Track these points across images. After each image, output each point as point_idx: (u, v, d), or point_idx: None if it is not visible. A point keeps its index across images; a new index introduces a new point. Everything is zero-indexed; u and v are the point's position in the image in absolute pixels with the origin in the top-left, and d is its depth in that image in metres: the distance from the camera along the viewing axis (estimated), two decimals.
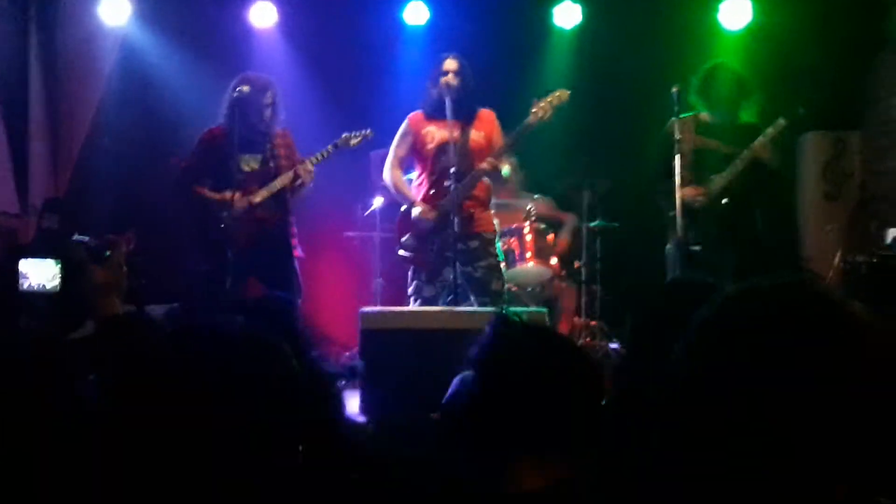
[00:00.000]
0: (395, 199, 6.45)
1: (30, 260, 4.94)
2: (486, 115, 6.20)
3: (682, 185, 6.03)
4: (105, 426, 1.33)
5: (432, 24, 8.30)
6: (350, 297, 7.71)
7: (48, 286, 4.85)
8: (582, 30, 8.36)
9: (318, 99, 7.96)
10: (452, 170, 5.84)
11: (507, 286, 6.42)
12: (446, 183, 5.92)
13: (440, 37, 7.97)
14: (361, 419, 4.69)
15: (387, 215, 7.41)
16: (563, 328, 7.25)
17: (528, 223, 7.34)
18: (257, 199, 6.13)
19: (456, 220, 5.82)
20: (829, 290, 1.14)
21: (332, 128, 6.60)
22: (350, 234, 8.05)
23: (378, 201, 7.66)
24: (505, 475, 1.78)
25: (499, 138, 6.16)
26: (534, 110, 5.92)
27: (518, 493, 1.74)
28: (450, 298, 5.85)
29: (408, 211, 6.21)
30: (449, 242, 5.85)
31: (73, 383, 2.02)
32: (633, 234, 7.34)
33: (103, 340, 2.47)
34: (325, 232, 7.92)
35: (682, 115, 6.16)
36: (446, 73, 6.04)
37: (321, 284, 7.67)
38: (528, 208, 7.43)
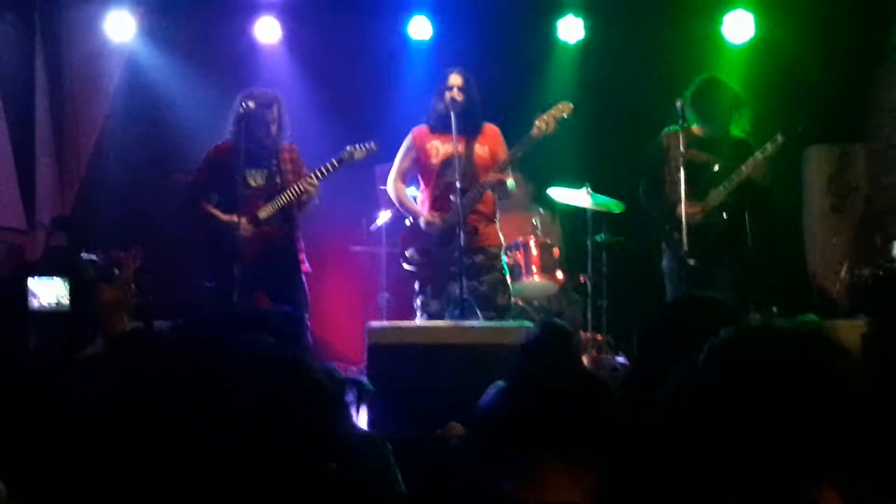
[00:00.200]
0: (400, 213, 6.46)
1: (38, 278, 4.95)
2: (491, 129, 6.22)
3: (676, 198, 6.05)
4: (123, 441, 1.32)
5: (436, 38, 8.32)
6: (356, 312, 7.72)
7: (57, 304, 4.86)
8: (585, 44, 8.38)
9: (323, 113, 7.98)
10: (457, 184, 5.85)
11: (513, 300, 6.42)
12: (451, 197, 5.93)
13: (444, 51, 8.00)
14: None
15: (392, 230, 7.42)
16: None
17: (533, 237, 7.34)
18: (263, 214, 6.15)
19: (461, 234, 5.83)
20: (829, 338, 1.16)
21: (336, 142, 6.61)
22: (356, 248, 8.06)
23: (384, 216, 7.67)
24: (538, 482, 1.90)
25: (503, 152, 6.17)
26: (537, 123, 5.94)
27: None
28: (456, 313, 5.85)
29: (412, 224, 6.23)
30: (454, 257, 5.86)
31: (81, 399, 2.03)
32: (639, 247, 7.34)
33: (112, 358, 2.48)
34: (332, 246, 7.94)
35: (672, 128, 6.18)
36: (451, 87, 6.07)
37: (328, 299, 7.67)
38: (533, 222, 7.43)
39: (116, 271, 2.47)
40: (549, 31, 8.38)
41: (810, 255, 8.52)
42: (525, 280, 7.23)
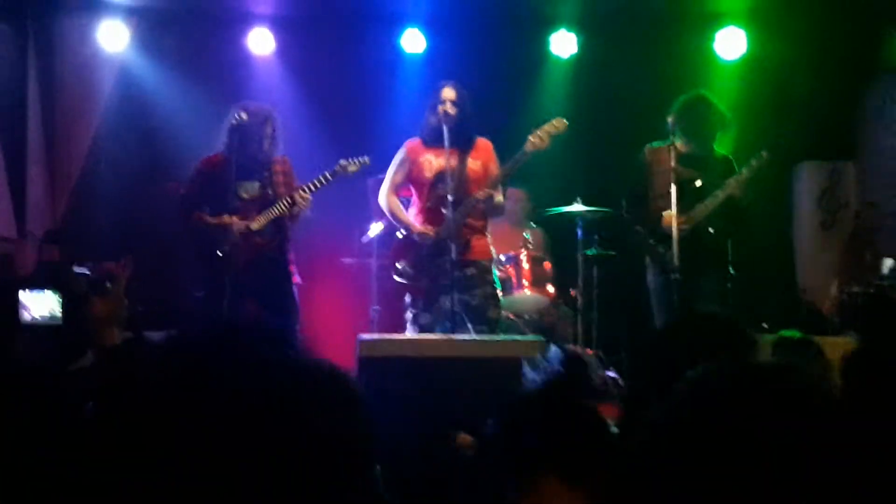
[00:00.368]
0: (392, 226, 6.47)
1: (30, 291, 4.94)
2: (483, 143, 6.24)
3: (659, 213, 6.07)
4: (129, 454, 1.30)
5: (429, 52, 8.34)
6: (347, 324, 7.70)
7: (49, 317, 4.85)
8: (578, 59, 8.42)
9: (316, 125, 7.98)
10: (449, 198, 5.86)
11: (504, 314, 6.42)
12: (443, 210, 5.94)
13: (437, 65, 8.01)
14: None
15: (384, 242, 7.41)
16: None
17: (524, 251, 7.35)
18: (255, 225, 6.14)
19: (453, 247, 5.83)
20: (803, 373, 1.16)
21: (329, 154, 6.62)
22: (347, 260, 8.05)
23: (375, 228, 7.67)
24: (538, 498, 2.05)
25: (495, 167, 6.19)
26: (531, 139, 5.95)
27: None
28: (447, 326, 5.85)
29: (403, 237, 6.23)
30: (446, 270, 5.86)
31: (72, 412, 2.02)
32: (630, 262, 7.35)
33: (103, 371, 2.48)
34: (323, 258, 7.93)
35: (655, 144, 6.22)
36: (444, 101, 6.08)
37: (318, 311, 7.67)
38: (524, 236, 7.45)
39: (108, 285, 2.47)
40: (542, 45, 8.41)
41: (800, 270, 8.55)
42: (516, 294, 7.24)
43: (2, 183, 7.76)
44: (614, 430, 2.30)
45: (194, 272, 6.38)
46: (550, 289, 7.50)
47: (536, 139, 5.94)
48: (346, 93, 8.35)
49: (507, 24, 8.41)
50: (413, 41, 8.32)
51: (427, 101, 6.24)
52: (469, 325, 5.99)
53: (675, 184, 5.94)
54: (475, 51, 8.12)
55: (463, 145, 6.12)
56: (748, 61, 8.21)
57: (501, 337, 5.92)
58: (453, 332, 5.74)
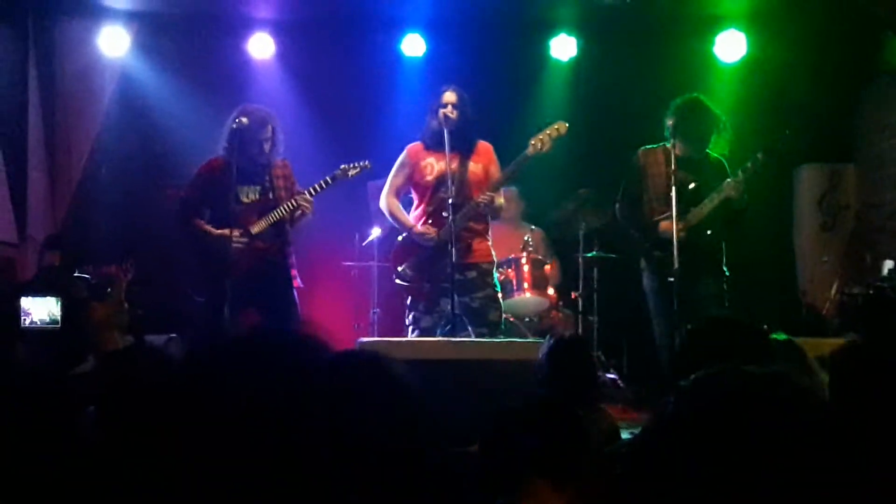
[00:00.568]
0: (393, 229, 6.48)
1: (31, 297, 4.94)
2: (484, 147, 6.24)
3: (655, 216, 6.07)
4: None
5: (430, 56, 8.36)
6: (348, 327, 7.71)
7: (49, 322, 4.85)
8: (578, 62, 8.43)
9: (317, 130, 8.00)
10: (450, 201, 5.87)
11: (504, 316, 6.43)
12: (444, 214, 5.94)
13: (437, 69, 8.03)
14: None
15: (385, 246, 7.43)
16: None
17: (525, 254, 7.35)
18: (256, 229, 6.15)
19: (454, 250, 5.84)
20: (794, 381, 1.17)
21: (330, 158, 6.63)
22: (348, 264, 8.06)
23: (376, 232, 7.69)
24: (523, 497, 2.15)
25: (496, 170, 6.19)
26: (532, 142, 5.96)
27: None
28: (447, 329, 5.85)
29: (405, 240, 6.24)
30: (446, 273, 5.87)
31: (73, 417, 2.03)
32: (630, 264, 7.36)
33: (103, 375, 2.48)
34: (324, 262, 7.94)
35: (649, 147, 6.23)
36: (445, 105, 6.08)
37: (319, 314, 7.67)
38: (525, 239, 7.45)
39: (109, 290, 2.48)
40: (542, 48, 8.43)
41: (801, 272, 8.56)
42: (516, 296, 7.25)
43: (2, 188, 7.77)
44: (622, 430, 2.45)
45: (195, 277, 6.38)
46: (551, 291, 7.52)
47: (538, 142, 5.95)
48: (347, 97, 8.37)
49: (507, 28, 8.42)
50: (413, 45, 8.34)
51: (427, 105, 6.25)
52: (470, 328, 6.00)
53: (666, 186, 5.95)
54: (475, 54, 8.14)
55: (464, 149, 6.12)
56: (748, 64, 8.23)
57: (502, 340, 5.92)
58: (454, 334, 5.74)
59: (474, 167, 6.15)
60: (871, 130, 8.33)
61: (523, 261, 7.32)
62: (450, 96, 6.11)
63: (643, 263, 6.30)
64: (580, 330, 7.49)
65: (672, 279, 5.79)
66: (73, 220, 8.19)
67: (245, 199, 6.18)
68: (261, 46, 8.32)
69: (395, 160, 6.36)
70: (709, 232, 6.10)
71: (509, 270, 7.29)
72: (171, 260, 7.09)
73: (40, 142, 8.14)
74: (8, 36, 7.97)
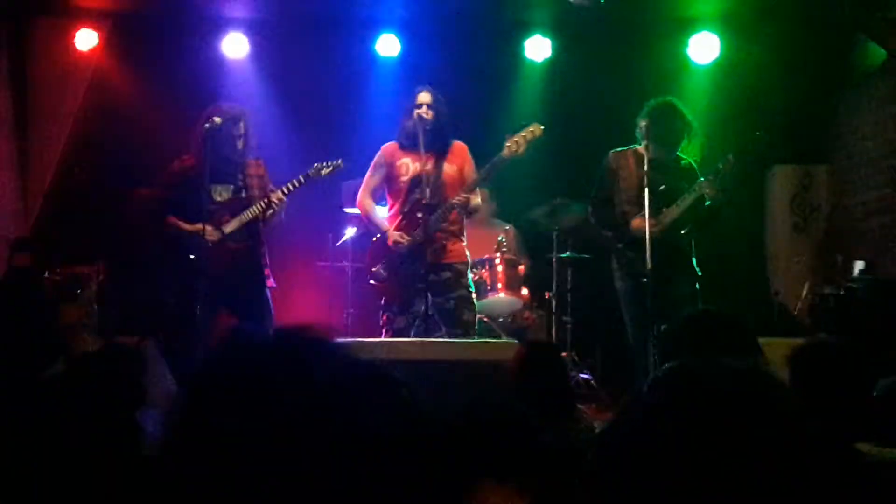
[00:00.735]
0: (367, 229, 6.47)
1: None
2: (459, 147, 6.24)
3: (629, 217, 6.09)
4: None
5: (404, 56, 8.36)
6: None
7: (18, 326, 4.82)
8: (552, 62, 8.46)
9: (290, 129, 7.98)
10: (424, 202, 5.86)
11: (478, 317, 6.43)
12: (419, 214, 5.94)
13: (412, 69, 8.03)
14: None
15: (358, 246, 7.42)
16: None
17: (498, 254, 7.35)
18: (228, 228, 6.12)
19: (428, 251, 5.84)
20: (766, 373, 1.18)
21: (303, 158, 6.62)
22: (322, 264, 8.05)
23: (350, 232, 7.67)
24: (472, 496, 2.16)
25: (471, 171, 6.19)
26: (508, 144, 5.95)
27: None
28: (421, 329, 5.85)
29: (379, 240, 6.23)
30: (420, 273, 5.86)
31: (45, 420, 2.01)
32: (604, 265, 7.38)
33: (74, 377, 2.46)
34: (297, 262, 7.92)
35: (620, 149, 6.25)
36: (420, 105, 6.08)
37: (293, 314, 7.64)
38: (498, 239, 7.45)
39: (79, 291, 2.46)
40: (517, 49, 8.44)
41: (773, 273, 8.62)
42: (490, 297, 7.25)
43: None
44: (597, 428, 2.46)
45: (167, 277, 6.35)
46: (524, 291, 7.52)
47: (513, 145, 5.94)
48: (321, 97, 8.35)
49: (482, 29, 8.43)
50: (388, 45, 8.34)
51: (402, 106, 6.24)
52: (444, 329, 6.01)
53: (637, 188, 5.97)
54: (450, 55, 8.14)
55: (439, 149, 6.12)
56: (721, 66, 8.28)
57: (475, 340, 5.92)
58: (428, 335, 5.74)
59: (449, 168, 6.15)
60: (844, 132, 8.40)
61: (497, 261, 7.31)
62: (424, 96, 6.11)
63: (615, 264, 6.32)
64: (554, 330, 7.51)
65: (645, 279, 5.81)
66: (44, 220, 8.12)
67: (217, 198, 6.15)
68: (235, 46, 8.29)
69: (369, 160, 6.35)
70: (682, 232, 6.13)
71: (483, 271, 7.28)
72: (142, 261, 7.04)
73: (11, 142, 8.07)
74: None
